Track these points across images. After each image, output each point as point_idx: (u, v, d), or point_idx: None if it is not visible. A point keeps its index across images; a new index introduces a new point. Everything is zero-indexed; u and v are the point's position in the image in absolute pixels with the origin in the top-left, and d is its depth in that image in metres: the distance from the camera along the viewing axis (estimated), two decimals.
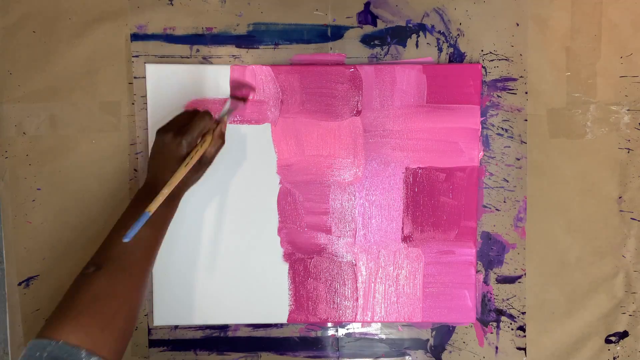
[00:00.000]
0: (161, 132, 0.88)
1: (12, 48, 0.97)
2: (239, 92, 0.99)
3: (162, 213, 0.85)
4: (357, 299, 1.01)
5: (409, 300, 1.01)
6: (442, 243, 1.01)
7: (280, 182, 1.00)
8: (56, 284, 0.99)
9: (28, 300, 0.99)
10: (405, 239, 1.01)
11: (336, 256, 1.01)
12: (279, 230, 1.01)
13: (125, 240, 0.77)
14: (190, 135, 0.86)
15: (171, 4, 0.99)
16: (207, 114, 0.88)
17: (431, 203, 1.01)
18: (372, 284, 1.01)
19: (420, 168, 1.00)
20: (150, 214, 0.79)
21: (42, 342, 0.69)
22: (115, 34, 0.98)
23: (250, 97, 0.99)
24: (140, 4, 0.99)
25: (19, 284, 0.99)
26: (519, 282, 1.01)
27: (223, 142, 0.92)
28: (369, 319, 1.01)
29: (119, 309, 0.77)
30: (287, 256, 1.01)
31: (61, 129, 0.98)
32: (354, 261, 1.01)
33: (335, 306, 1.01)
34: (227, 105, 0.97)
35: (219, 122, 0.91)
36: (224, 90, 0.98)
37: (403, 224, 1.01)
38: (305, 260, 1.01)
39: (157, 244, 0.87)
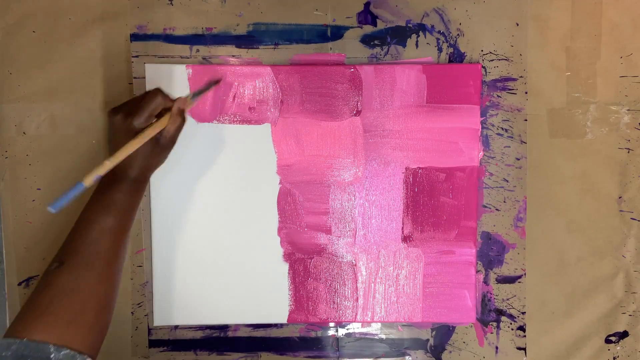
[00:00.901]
0: (111, 113, 0.85)
1: (12, 48, 0.97)
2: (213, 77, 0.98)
3: (125, 200, 0.84)
4: (357, 299, 1.01)
5: (409, 300, 1.01)
6: (442, 243, 1.01)
7: (280, 182, 1.00)
8: None
9: None
10: (405, 239, 1.01)
11: (336, 256, 1.01)
12: (279, 231, 1.01)
13: (51, 210, 0.75)
14: (140, 114, 0.83)
15: (171, 3, 0.98)
16: (157, 91, 0.85)
17: (431, 203, 1.01)
18: (372, 284, 1.01)
19: (420, 168, 1.00)
20: (85, 185, 0.77)
21: (6, 341, 0.68)
22: (115, 34, 0.98)
23: (220, 81, 0.98)
24: (140, 4, 0.98)
25: (19, 284, 0.99)
26: (519, 282, 1.01)
27: (183, 120, 0.89)
28: (369, 319, 1.01)
29: (86, 304, 0.76)
30: (287, 256, 1.01)
31: (61, 129, 0.98)
32: (354, 261, 1.01)
33: (335, 306, 1.01)
34: (197, 89, 0.95)
35: (179, 100, 0.88)
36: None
37: (403, 224, 1.01)
38: (305, 261, 1.01)
39: (123, 233, 0.84)
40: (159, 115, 0.87)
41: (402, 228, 1.01)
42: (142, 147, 0.84)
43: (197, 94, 0.94)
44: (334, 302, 1.01)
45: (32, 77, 0.97)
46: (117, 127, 0.84)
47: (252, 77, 0.98)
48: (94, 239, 0.80)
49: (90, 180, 0.77)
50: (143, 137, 0.83)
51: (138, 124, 0.83)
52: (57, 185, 0.98)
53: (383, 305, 1.01)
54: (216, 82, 0.98)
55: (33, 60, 0.98)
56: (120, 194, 0.83)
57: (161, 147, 0.88)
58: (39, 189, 0.98)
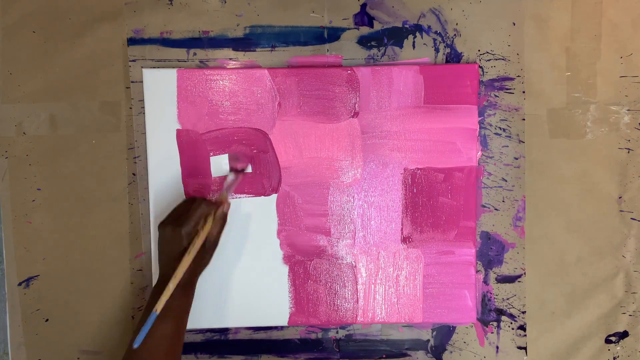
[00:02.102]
0: (161, 226, 0.88)
1: (12, 48, 0.99)
2: (237, 165, 0.99)
3: (178, 305, 0.86)
4: (357, 301, 1.01)
5: (409, 301, 1.01)
6: (442, 243, 1.01)
7: (279, 184, 1.00)
8: (56, 284, 1.00)
9: (28, 300, 0.99)
10: (405, 239, 1.01)
11: (336, 258, 1.01)
12: (279, 233, 1.01)
13: (135, 345, 0.78)
14: (188, 224, 0.86)
15: (171, 4, 1.00)
16: (202, 200, 0.90)
17: (430, 203, 1.00)
18: (372, 285, 1.01)
19: (418, 169, 1.00)
20: (157, 312, 0.79)
21: None
22: (114, 35, 1.00)
23: (249, 169, 1.00)
24: (137, 8, 1.00)
25: (19, 284, 0.99)
26: (519, 282, 1.01)
27: (225, 222, 0.93)
28: (369, 321, 1.01)
29: None
30: (287, 258, 1.01)
31: (61, 129, 0.99)
32: (353, 263, 1.01)
33: (336, 308, 1.01)
34: (227, 182, 0.97)
35: (219, 203, 0.92)
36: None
37: (402, 224, 1.01)
38: (305, 263, 1.01)
39: (179, 338, 0.86)
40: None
41: (402, 229, 1.01)
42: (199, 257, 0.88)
43: (228, 190, 0.96)
44: (334, 303, 1.01)
45: (32, 77, 0.99)
46: (168, 239, 0.87)
47: (250, 81, 0.99)
48: (153, 349, 0.82)
49: (161, 306, 0.80)
50: (195, 248, 0.86)
51: (187, 233, 0.86)
52: (57, 185, 0.99)
53: (383, 307, 1.01)
54: (242, 171, 0.99)
55: (33, 60, 0.99)
56: (174, 300, 0.84)
57: (205, 250, 0.90)
58: (39, 189, 0.99)
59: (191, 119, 0.98)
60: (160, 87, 0.98)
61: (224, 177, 0.98)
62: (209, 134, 0.98)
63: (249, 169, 0.99)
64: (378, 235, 1.01)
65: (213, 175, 0.99)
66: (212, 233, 0.90)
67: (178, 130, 0.98)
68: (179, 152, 0.98)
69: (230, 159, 0.99)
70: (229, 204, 0.94)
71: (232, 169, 0.99)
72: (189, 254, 0.84)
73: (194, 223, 0.87)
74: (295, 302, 1.01)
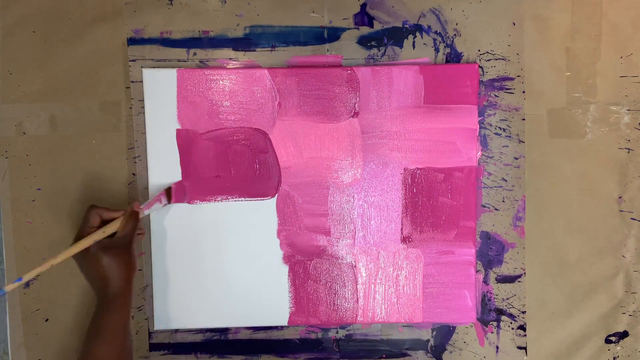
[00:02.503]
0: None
1: (12, 48, 0.99)
2: (175, 193, 0.99)
3: (113, 320, 0.86)
4: (357, 301, 1.01)
5: (409, 300, 1.01)
6: (442, 243, 1.01)
7: (279, 184, 1.00)
8: (56, 284, 1.00)
9: (28, 300, 0.99)
10: (405, 239, 1.01)
11: (336, 258, 1.01)
12: (279, 233, 1.01)
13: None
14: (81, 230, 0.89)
15: (171, 4, 1.00)
16: (91, 208, 0.90)
17: (430, 203, 1.00)
18: (372, 285, 1.01)
19: (418, 169, 1.00)
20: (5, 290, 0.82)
21: None
22: (114, 35, 0.99)
23: (172, 203, 0.99)
24: (137, 8, 1.00)
25: None
26: (519, 282, 1.01)
27: (136, 221, 0.92)
28: (369, 320, 1.01)
29: None
30: (287, 258, 1.01)
31: (61, 129, 0.99)
32: (353, 262, 1.01)
33: (336, 308, 1.01)
34: (154, 198, 0.97)
35: (137, 208, 0.92)
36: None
37: (402, 224, 1.01)
38: (305, 263, 1.01)
39: (121, 357, 0.85)
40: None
41: (402, 229, 1.01)
42: (106, 262, 0.86)
43: (150, 203, 0.96)
44: (334, 303, 1.01)
45: (32, 77, 0.99)
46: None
47: (249, 80, 0.99)
48: None
49: (27, 277, 0.84)
50: (83, 242, 0.87)
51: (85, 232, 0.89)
52: (57, 185, 0.99)
53: (383, 306, 1.01)
54: (167, 190, 0.98)
55: (33, 60, 0.99)
56: (107, 317, 0.85)
57: (122, 253, 0.88)
58: (39, 189, 0.99)
59: (191, 118, 0.98)
60: (160, 87, 0.98)
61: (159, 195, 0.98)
62: (209, 133, 0.98)
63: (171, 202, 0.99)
64: (378, 235, 1.01)
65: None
66: (123, 230, 0.89)
67: (178, 130, 0.98)
68: (179, 152, 0.98)
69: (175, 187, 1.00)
70: (142, 211, 0.93)
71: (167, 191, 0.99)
72: (76, 245, 0.86)
73: (85, 228, 0.88)
74: (295, 302, 1.01)
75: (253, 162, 0.99)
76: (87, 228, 0.88)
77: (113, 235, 0.89)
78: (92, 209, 0.89)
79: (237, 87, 0.99)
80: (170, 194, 0.98)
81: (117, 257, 0.87)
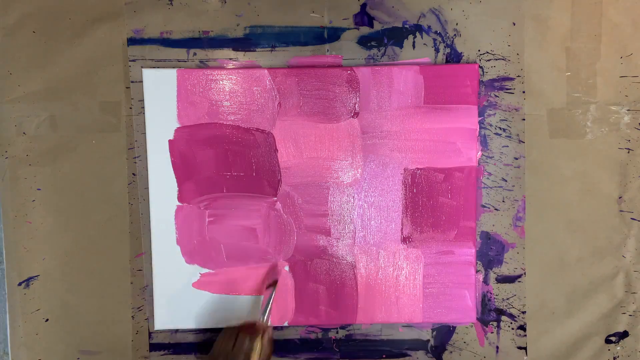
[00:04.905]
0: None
1: (12, 48, 0.99)
2: (268, 280, 1.00)
3: None
4: (357, 301, 1.01)
5: (409, 301, 1.01)
6: (442, 243, 1.01)
7: (279, 184, 1.00)
8: (56, 284, 1.00)
9: (28, 300, 1.00)
10: (405, 239, 1.01)
11: (336, 258, 1.01)
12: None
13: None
14: None
15: (171, 4, 1.00)
16: (245, 335, 0.90)
17: (430, 204, 1.00)
18: (372, 285, 1.01)
19: (418, 169, 1.00)
20: None
21: None
22: (114, 35, 0.99)
23: (278, 278, 1.00)
24: (137, 8, 1.00)
25: (19, 284, 1.00)
26: (519, 282, 1.01)
27: (272, 348, 0.93)
28: (369, 321, 1.01)
29: None
30: (287, 258, 1.01)
31: (61, 129, 0.99)
32: (353, 263, 1.01)
33: (336, 308, 1.01)
34: (265, 302, 0.97)
35: (261, 330, 0.92)
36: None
37: (402, 224, 1.01)
38: (305, 263, 1.01)
39: None
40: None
41: (402, 229, 1.01)
42: None
43: (267, 309, 0.95)
44: (334, 303, 1.01)
45: (32, 77, 0.99)
46: None
47: (249, 81, 0.99)
48: None
49: None
50: None
51: None
52: (57, 185, 0.99)
53: (383, 307, 1.01)
54: (274, 283, 0.99)
55: (33, 60, 0.99)
56: None
57: None
58: (39, 189, 0.99)
59: (191, 119, 0.98)
60: (160, 87, 0.98)
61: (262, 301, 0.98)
62: (209, 133, 0.98)
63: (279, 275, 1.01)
64: (378, 235, 1.01)
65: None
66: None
67: (177, 130, 0.98)
68: (179, 153, 0.98)
69: (268, 276, 1.00)
70: (271, 328, 0.94)
71: (268, 286, 0.99)
72: None
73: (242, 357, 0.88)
74: (296, 302, 1.01)
75: (253, 163, 0.99)
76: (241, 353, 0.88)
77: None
78: (248, 339, 0.90)
79: (237, 87, 0.99)
80: (275, 284, 0.99)
81: None
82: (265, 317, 0.94)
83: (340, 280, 1.01)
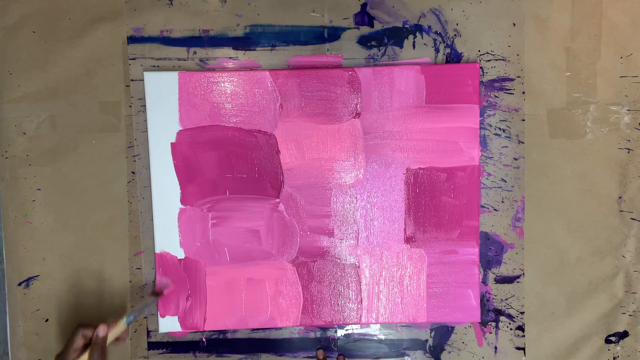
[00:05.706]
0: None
1: (12, 48, 0.98)
2: (157, 288, 1.00)
3: None
4: (361, 301, 1.01)
5: (413, 300, 1.01)
6: (445, 243, 1.01)
7: (282, 186, 1.00)
8: (56, 284, 1.00)
9: (28, 300, 0.99)
10: (408, 239, 1.01)
11: (339, 259, 1.01)
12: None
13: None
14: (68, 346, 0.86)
15: (171, 3, 0.99)
16: (78, 330, 0.87)
17: (433, 203, 1.01)
18: (376, 286, 1.01)
19: (421, 168, 1.00)
20: None
21: None
22: (114, 35, 0.99)
23: (166, 291, 1.00)
24: (137, 7, 0.99)
25: (19, 284, 0.99)
26: (518, 282, 1.01)
27: (103, 350, 0.88)
28: (373, 321, 1.01)
29: None
30: (292, 260, 1.01)
31: (61, 129, 0.99)
32: (357, 263, 1.01)
33: (340, 308, 1.01)
34: (139, 310, 0.95)
35: (97, 330, 0.88)
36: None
37: (405, 224, 1.01)
38: (308, 264, 1.01)
39: None
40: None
41: (405, 229, 1.01)
42: None
43: (135, 315, 0.93)
44: (338, 304, 1.01)
45: (32, 77, 0.98)
46: None
47: (251, 82, 0.99)
48: None
49: None
50: None
51: None
52: (57, 185, 0.99)
53: (387, 307, 1.01)
54: (159, 294, 0.99)
55: (33, 60, 0.98)
56: None
57: None
58: (39, 189, 0.99)
59: (193, 121, 0.98)
60: (161, 90, 0.98)
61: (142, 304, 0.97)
62: (211, 135, 0.98)
63: (168, 289, 1.00)
64: (381, 235, 1.01)
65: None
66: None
67: (179, 133, 0.98)
68: (181, 155, 0.98)
69: (159, 284, 1.00)
70: (122, 328, 0.91)
71: (153, 293, 0.99)
72: None
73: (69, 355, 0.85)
74: (303, 303, 1.01)
75: (255, 164, 0.99)
76: (71, 349, 0.85)
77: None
78: (79, 329, 0.86)
79: (239, 89, 0.98)
80: (156, 293, 0.99)
81: None
82: (130, 321, 0.92)
83: (344, 281, 1.01)
